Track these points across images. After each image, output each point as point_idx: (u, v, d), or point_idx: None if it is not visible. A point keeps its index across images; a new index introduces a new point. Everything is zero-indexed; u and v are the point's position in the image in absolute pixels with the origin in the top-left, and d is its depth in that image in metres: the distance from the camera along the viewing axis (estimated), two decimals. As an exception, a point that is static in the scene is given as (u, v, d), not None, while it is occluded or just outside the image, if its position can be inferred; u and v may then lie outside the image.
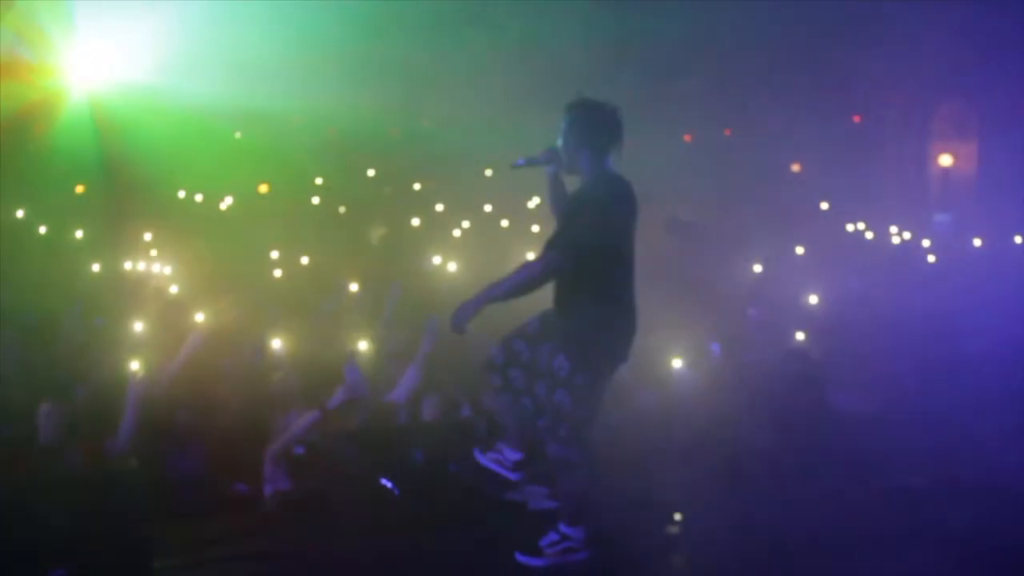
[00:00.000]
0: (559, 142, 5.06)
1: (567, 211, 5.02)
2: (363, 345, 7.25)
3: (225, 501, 5.97)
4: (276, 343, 7.65)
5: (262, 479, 6.02)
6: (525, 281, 4.86)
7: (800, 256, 12.81)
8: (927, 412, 7.57)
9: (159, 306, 9.04)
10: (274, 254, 12.13)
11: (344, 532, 5.57)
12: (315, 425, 6.07)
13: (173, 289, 9.87)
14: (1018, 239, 14.44)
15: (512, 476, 5.25)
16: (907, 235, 15.49)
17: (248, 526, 5.71)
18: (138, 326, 7.97)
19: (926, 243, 14.96)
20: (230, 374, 7.46)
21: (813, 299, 9.84)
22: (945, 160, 19.35)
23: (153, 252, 12.18)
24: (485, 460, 5.28)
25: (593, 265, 4.84)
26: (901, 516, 5.88)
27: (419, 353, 7.06)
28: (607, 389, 5.09)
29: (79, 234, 13.27)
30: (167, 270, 11.06)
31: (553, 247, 4.86)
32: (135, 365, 6.35)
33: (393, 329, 8.24)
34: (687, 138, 21.19)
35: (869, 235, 15.66)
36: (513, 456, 5.23)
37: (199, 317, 7.78)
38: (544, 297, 5.00)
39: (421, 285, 10.32)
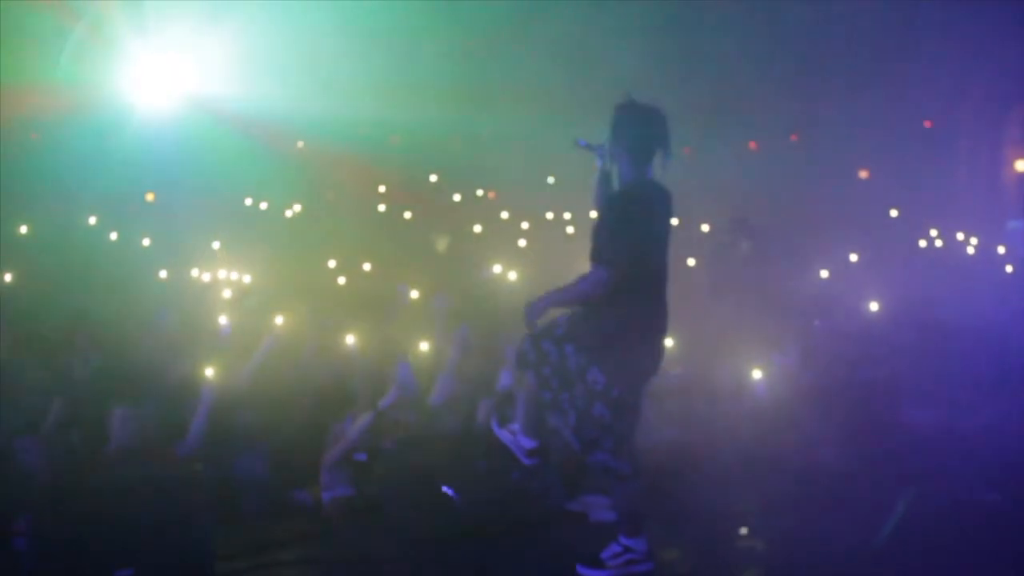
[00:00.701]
0: (605, 142, 5.02)
1: (605, 217, 4.95)
2: (421, 345, 7.27)
3: (288, 506, 6.02)
4: (342, 346, 7.71)
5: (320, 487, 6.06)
6: (581, 297, 4.84)
7: (869, 264, 12.56)
8: (1001, 425, 7.36)
9: (232, 312, 9.18)
10: (333, 263, 12.26)
11: (404, 540, 5.58)
12: (370, 427, 6.08)
13: (244, 295, 10.00)
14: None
15: (525, 460, 5.24)
16: (974, 241, 15.12)
17: (309, 531, 5.76)
18: (212, 331, 8.09)
19: (1001, 250, 14.58)
20: (299, 378, 7.54)
21: (874, 306, 9.64)
22: (1021, 165, 18.83)
23: (223, 259, 12.39)
24: (500, 432, 5.31)
25: (628, 276, 4.79)
26: (974, 530, 5.71)
27: (449, 360, 7.06)
28: (645, 397, 5.06)
29: (146, 241, 13.51)
30: (237, 277, 11.22)
31: (601, 261, 4.79)
32: (209, 371, 6.45)
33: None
34: (752, 145, 20.93)
35: (939, 243, 15.32)
36: (527, 443, 5.22)
37: (276, 321, 7.88)
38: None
39: (480, 294, 10.35)
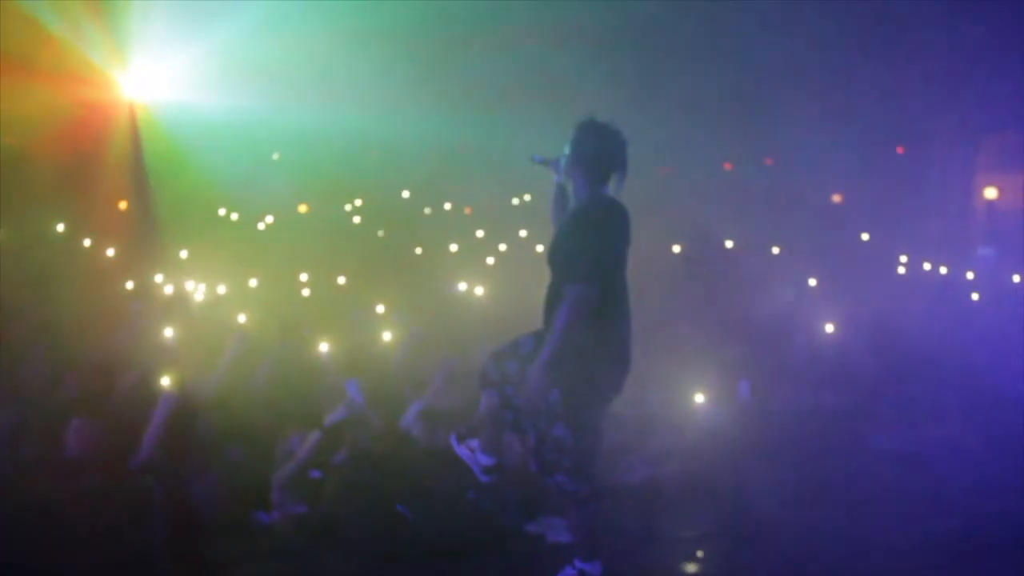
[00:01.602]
0: (563, 158, 4.99)
1: (569, 232, 4.90)
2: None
3: (240, 522, 5.91)
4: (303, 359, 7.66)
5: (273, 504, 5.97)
6: (571, 325, 4.69)
7: (838, 288, 12.60)
8: (964, 450, 7.37)
9: (191, 321, 9.09)
10: (304, 276, 12.20)
11: (358, 559, 5.50)
12: (319, 444, 6.01)
13: (201, 302, 9.92)
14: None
15: (483, 477, 5.20)
16: (944, 269, 15.23)
17: (261, 549, 5.65)
18: (170, 341, 7.99)
19: (970, 276, 14.67)
20: (257, 391, 7.46)
21: (842, 331, 9.66)
22: (990, 193, 19.01)
23: (188, 269, 12.29)
24: (458, 448, 5.24)
25: (591, 292, 4.72)
26: (936, 556, 5.72)
27: (431, 388, 7.01)
28: (606, 419, 5.00)
29: (112, 251, 13.38)
30: (202, 287, 11.12)
31: (576, 278, 4.73)
32: (166, 380, 6.35)
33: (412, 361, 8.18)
34: (728, 166, 21.06)
35: (902, 269, 15.42)
36: (485, 460, 5.16)
37: (238, 324, 7.80)
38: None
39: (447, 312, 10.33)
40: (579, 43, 17.49)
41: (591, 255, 4.73)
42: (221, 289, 11.09)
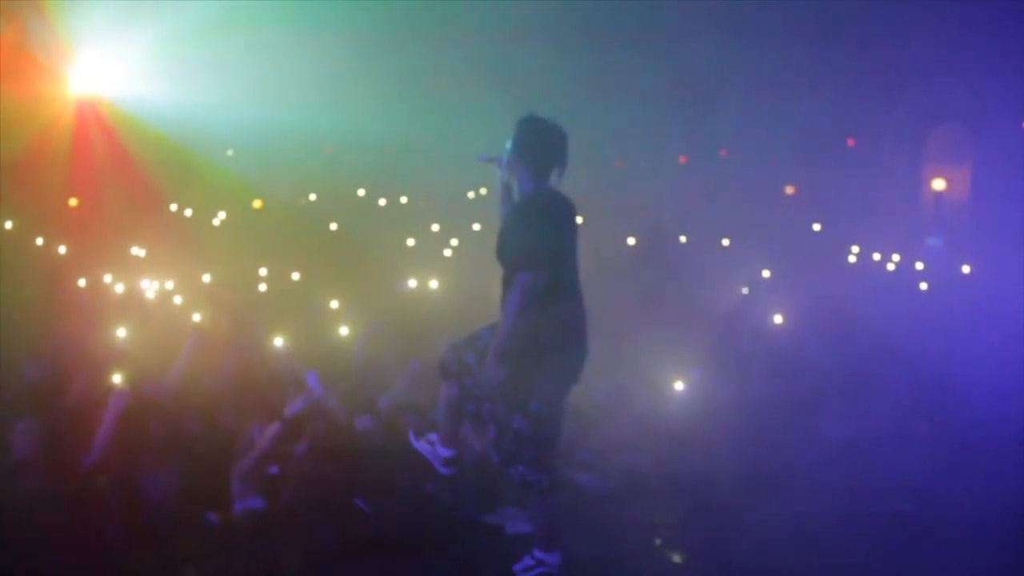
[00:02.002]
0: (505, 154, 5.05)
1: (515, 223, 4.96)
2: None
3: (197, 520, 5.86)
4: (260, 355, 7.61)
5: (231, 498, 5.93)
6: (518, 314, 4.75)
7: (789, 278, 12.76)
8: (913, 438, 7.51)
9: (146, 319, 8.99)
10: (263, 271, 12.11)
11: (316, 553, 5.47)
12: (278, 436, 5.99)
13: (154, 299, 9.82)
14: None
15: (443, 470, 5.25)
16: (896, 257, 15.48)
17: (218, 546, 5.60)
18: (122, 339, 7.90)
19: (919, 266, 14.93)
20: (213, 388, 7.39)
21: (794, 320, 9.79)
22: (938, 184, 19.37)
23: (141, 266, 12.13)
24: (417, 443, 5.30)
25: (543, 285, 4.78)
26: (887, 541, 5.83)
27: (395, 389, 7.01)
28: (565, 411, 5.06)
29: (63, 248, 13.18)
30: (155, 285, 10.99)
31: (523, 266, 4.79)
32: (117, 377, 6.28)
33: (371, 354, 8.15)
34: (682, 159, 21.21)
35: (853, 259, 15.65)
36: (444, 452, 5.22)
37: (194, 323, 7.73)
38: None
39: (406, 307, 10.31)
40: (536, 38, 17.54)
41: (537, 243, 4.79)
42: (171, 285, 10.96)
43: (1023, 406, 7.83)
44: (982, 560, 5.44)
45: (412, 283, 11.30)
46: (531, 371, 4.83)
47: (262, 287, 11.49)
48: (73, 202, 16.71)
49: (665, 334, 9.09)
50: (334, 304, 9.84)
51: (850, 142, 19.80)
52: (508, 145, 5.02)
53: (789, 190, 20.50)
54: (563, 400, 5.03)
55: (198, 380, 7.14)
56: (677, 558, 5.79)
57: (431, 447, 5.25)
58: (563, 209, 4.97)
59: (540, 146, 4.94)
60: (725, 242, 15.77)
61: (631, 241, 15.54)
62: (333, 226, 16.84)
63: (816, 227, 17.56)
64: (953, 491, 6.44)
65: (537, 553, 5.06)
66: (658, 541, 5.95)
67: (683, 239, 15.91)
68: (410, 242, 15.40)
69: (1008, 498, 6.16)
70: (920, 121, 19.57)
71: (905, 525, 6.10)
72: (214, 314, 8.91)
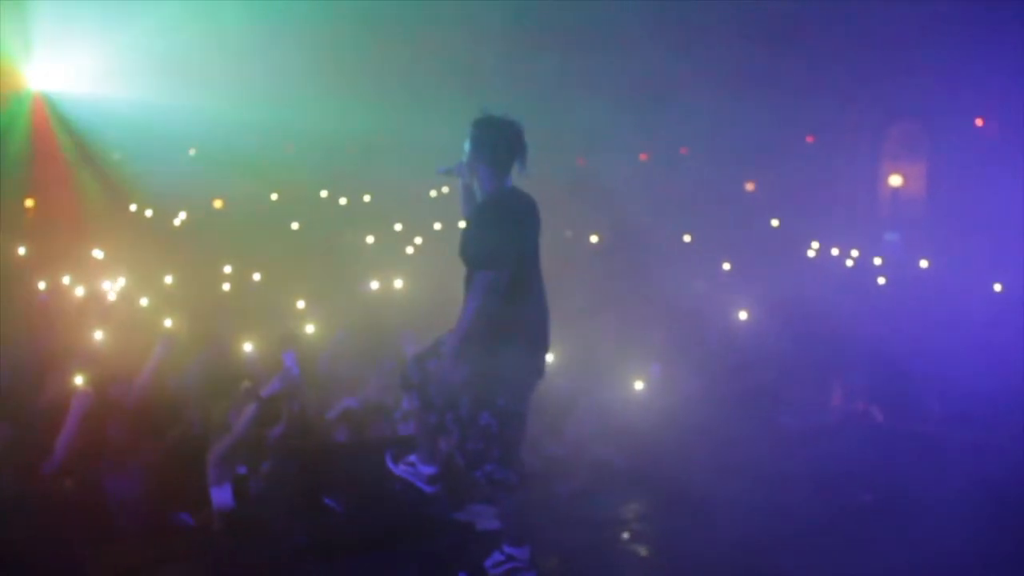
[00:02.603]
0: (464, 157, 5.09)
1: (476, 223, 5.02)
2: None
3: (163, 523, 5.84)
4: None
5: (207, 481, 5.92)
6: (479, 309, 4.81)
7: (750, 274, 12.89)
8: (873, 429, 7.64)
9: (107, 321, 8.91)
10: (227, 268, 12.05)
11: (286, 553, 5.48)
12: (255, 418, 5.99)
13: (115, 302, 9.73)
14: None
15: (427, 488, 5.27)
16: (855, 253, 15.70)
17: (187, 548, 5.59)
18: (87, 343, 7.84)
19: (877, 261, 15.17)
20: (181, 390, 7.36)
21: (755, 315, 9.92)
22: (895, 180, 19.69)
23: (104, 268, 12.00)
24: (397, 470, 5.30)
25: (505, 282, 4.85)
26: (851, 530, 5.91)
27: (366, 390, 7.02)
28: (529, 408, 5.10)
29: (22, 250, 13.01)
30: (117, 286, 10.89)
31: (483, 265, 4.84)
32: (79, 379, 6.24)
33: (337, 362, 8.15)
34: (643, 157, 21.35)
35: (812, 253, 15.86)
36: (426, 470, 5.25)
37: (164, 329, 7.69)
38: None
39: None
40: (497, 36, 17.58)
41: (498, 243, 4.85)
42: (132, 286, 10.87)
43: (977, 395, 8.01)
44: (938, 546, 5.54)
45: (375, 284, 11.30)
46: (497, 369, 4.89)
47: (225, 287, 11.41)
48: (30, 203, 16.50)
49: (626, 330, 9.19)
50: (300, 304, 9.81)
51: (808, 139, 20.05)
52: (466, 146, 5.07)
53: (749, 187, 20.72)
54: (528, 397, 5.09)
55: (165, 383, 7.09)
56: (644, 551, 5.86)
57: (411, 468, 5.26)
58: (524, 208, 5.04)
59: (499, 142, 4.97)
60: (687, 238, 15.91)
61: (593, 239, 15.65)
62: (295, 225, 16.78)
63: (775, 223, 17.78)
64: (909, 480, 6.56)
65: (507, 548, 5.10)
66: (626, 535, 6.03)
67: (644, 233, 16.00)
68: (370, 239, 15.40)
69: (964, 486, 6.25)
70: (877, 119, 19.86)
71: (867, 514, 6.21)
72: (180, 316, 8.85)
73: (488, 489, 5.14)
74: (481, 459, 4.96)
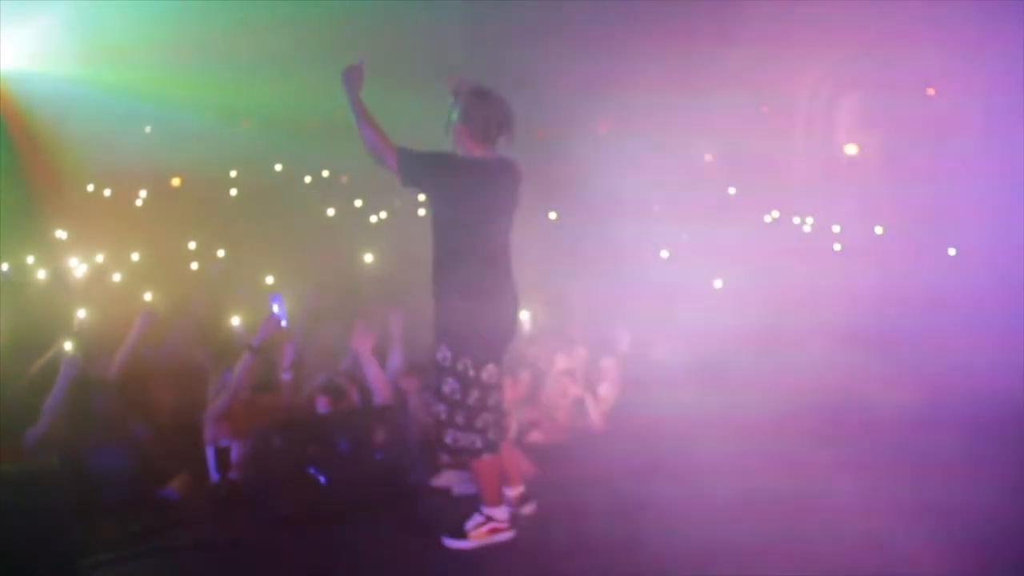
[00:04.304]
0: (447, 124, 5.21)
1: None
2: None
3: (151, 496, 5.92)
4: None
5: (202, 436, 6.02)
6: (367, 139, 5.13)
7: (710, 243, 12.94)
8: (827, 401, 7.69)
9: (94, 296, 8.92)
10: (191, 245, 12.02)
11: (271, 522, 5.59)
12: (250, 367, 6.10)
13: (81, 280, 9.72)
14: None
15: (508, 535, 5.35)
16: (811, 220, 15.95)
17: (174, 520, 5.67)
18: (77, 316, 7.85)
19: (836, 229, 15.44)
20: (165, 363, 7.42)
21: (718, 283, 10.03)
22: (851, 149, 20.00)
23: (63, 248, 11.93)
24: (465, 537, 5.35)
25: (465, 246, 5.04)
26: (770, 520, 5.62)
27: (339, 368, 7.13)
28: (501, 372, 5.24)
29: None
30: (81, 266, 10.84)
31: (400, 159, 5.04)
32: (68, 345, 6.27)
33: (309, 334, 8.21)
34: (602, 128, 21.40)
35: (769, 220, 16.07)
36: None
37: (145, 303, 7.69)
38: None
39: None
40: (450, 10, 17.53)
41: (430, 165, 5.08)
42: (98, 264, 10.83)
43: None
44: (862, 528, 5.47)
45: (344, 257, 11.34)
46: (460, 333, 5.07)
47: (193, 265, 11.40)
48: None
49: (590, 301, 9.27)
50: (269, 280, 9.85)
51: (764, 109, 20.21)
52: (453, 116, 5.17)
53: (708, 157, 20.89)
54: (495, 363, 5.20)
55: (145, 358, 7.14)
56: (613, 512, 5.74)
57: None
58: (501, 174, 5.18)
59: (490, 118, 5.12)
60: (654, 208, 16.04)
61: (552, 216, 15.74)
62: (257, 206, 16.73)
63: (731, 191, 17.99)
64: (831, 465, 6.33)
65: (484, 509, 5.30)
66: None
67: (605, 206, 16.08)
68: (330, 212, 15.39)
69: (890, 469, 6.29)
70: (831, 88, 20.11)
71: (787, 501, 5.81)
72: (156, 290, 8.85)
73: (454, 455, 5.32)
74: (446, 425, 5.16)
